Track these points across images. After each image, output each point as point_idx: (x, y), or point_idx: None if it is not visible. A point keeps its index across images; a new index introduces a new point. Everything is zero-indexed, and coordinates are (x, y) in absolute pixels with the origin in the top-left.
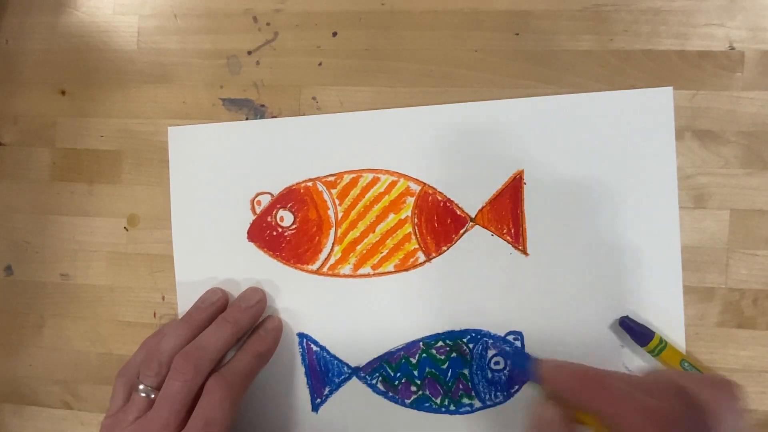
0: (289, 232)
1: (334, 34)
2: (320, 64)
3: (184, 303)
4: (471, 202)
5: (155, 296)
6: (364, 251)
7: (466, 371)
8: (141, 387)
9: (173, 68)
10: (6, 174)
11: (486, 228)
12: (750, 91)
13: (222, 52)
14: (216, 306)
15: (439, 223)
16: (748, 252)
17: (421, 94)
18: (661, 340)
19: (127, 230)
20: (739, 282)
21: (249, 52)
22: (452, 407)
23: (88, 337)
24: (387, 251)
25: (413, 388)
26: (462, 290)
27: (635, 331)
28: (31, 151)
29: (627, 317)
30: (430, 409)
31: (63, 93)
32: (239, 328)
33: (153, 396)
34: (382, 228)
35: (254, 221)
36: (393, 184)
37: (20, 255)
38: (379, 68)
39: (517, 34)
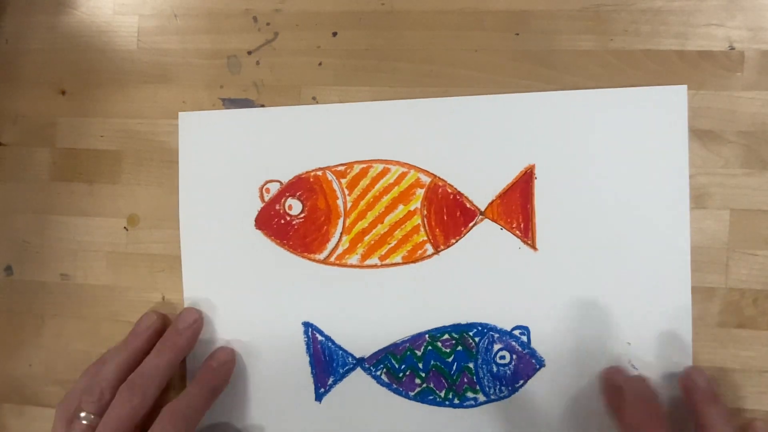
0: (297, 220)
1: (334, 34)
2: (320, 64)
3: (190, 290)
4: (481, 195)
5: (155, 296)
6: (372, 242)
7: (471, 365)
8: (83, 414)
9: (173, 68)
10: (6, 174)
11: (495, 222)
12: (750, 91)
13: (222, 52)
14: (152, 329)
15: (449, 215)
16: (748, 252)
17: (421, 94)
18: None
19: (127, 230)
20: (739, 282)
21: (249, 52)
22: (456, 401)
23: (88, 337)
24: (395, 242)
25: (417, 381)
26: (469, 284)
27: None
28: (31, 151)
29: None
30: (434, 402)
31: (63, 93)
32: (179, 350)
33: (95, 424)
34: (390, 219)
35: (262, 209)
36: (403, 175)
37: (20, 255)
38: (379, 68)
39: (517, 34)
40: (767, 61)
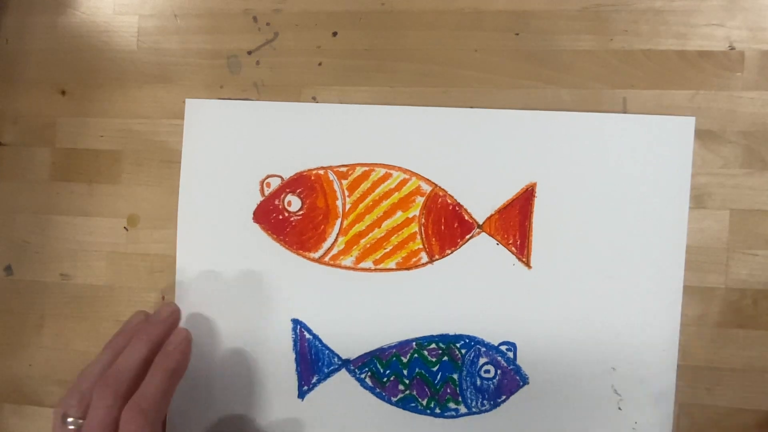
0: (295, 217)
1: (334, 34)
2: (320, 64)
3: (183, 277)
4: (480, 208)
5: (155, 296)
6: (368, 245)
7: (455, 376)
8: (69, 420)
9: (173, 68)
10: (6, 174)
11: (492, 236)
12: (750, 91)
13: (222, 52)
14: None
15: (446, 226)
16: (748, 252)
17: (420, 94)
18: None
19: (127, 230)
20: (739, 282)
21: (249, 52)
22: (438, 410)
23: (88, 337)
24: (391, 248)
25: (401, 387)
26: (461, 295)
27: None
28: (31, 151)
29: None
30: (415, 410)
31: (63, 93)
32: (153, 344)
33: (78, 427)
34: (388, 224)
35: (261, 203)
36: (404, 181)
37: (20, 255)
38: (379, 68)
39: (517, 34)
40: (767, 61)
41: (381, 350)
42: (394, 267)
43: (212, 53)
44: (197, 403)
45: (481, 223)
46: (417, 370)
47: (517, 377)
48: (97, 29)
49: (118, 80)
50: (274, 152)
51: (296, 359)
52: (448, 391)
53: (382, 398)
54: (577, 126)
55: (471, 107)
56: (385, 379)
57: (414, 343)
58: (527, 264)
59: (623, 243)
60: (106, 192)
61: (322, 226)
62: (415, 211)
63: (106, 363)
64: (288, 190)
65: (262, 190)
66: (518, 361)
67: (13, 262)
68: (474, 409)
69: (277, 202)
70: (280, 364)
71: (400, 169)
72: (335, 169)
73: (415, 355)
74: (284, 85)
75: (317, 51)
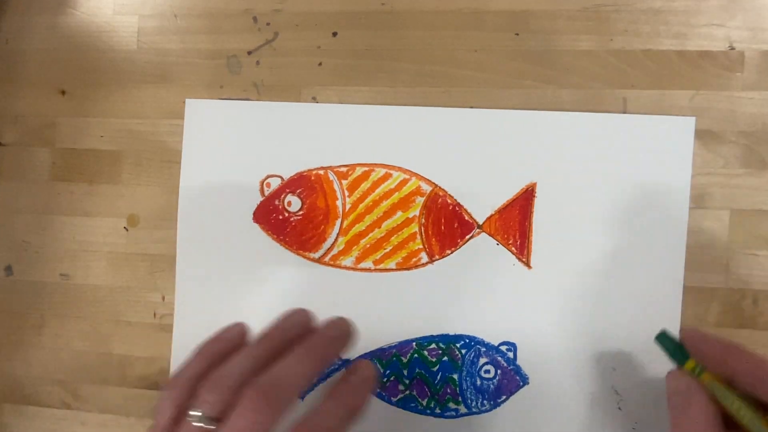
0: (295, 217)
1: (334, 34)
2: (320, 64)
3: (183, 277)
4: (480, 208)
5: (155, 296)
6: (368, 245)
7: (455, 376)
8: (197, 414)
9: (173, 68)
10: (6, 174)
11: (492, 236)
12: (750, 91)
13: (222, 52)
14: (301, 329)
15: (446, 226)
16: (748, 252)
17: (421, 94)
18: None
19: (127, 230)
20: (739, 282)
21: (249, 52)
22: (438, 410)
23: (88, 337)
24: (390, 248)
25: (401, 387)
26: (461, 296)
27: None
28: (31, 151)
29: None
30: (415, 410)
31: (63, 93)
32: (325, 364)
33: (209, 427)
34: (388, 224)
35: (261, 203)
36: (404, 181)
37: (20, 255)
38: (379, 68)
39: (517, 34)
40: (767, 61)
41: (381, 350)
42: (394, 267)
43: (212, 53)
44: None
45: (481, 223)
46: (417, 370)
47: (517, 377)
48: (97, 29)
49: (118, 80)
50: (274, 152)
51: None
52: (448, 391)
53: (382, 398)
54: (577, 126)
55: (471, 107)
56: (385, 380)
57: (414, 344)
58: (527, 264)
59: (623, 243)
60: (106, 192)
61: (322, 227)
62: (415, 211)
63: (260, 360)
64: (288, 190)
65: (262, 190)
66: (518, 362)
67: (13, 262)
68: (474, 410)
69: (277, 202)
70: None
71: (400, 169)
72: (335, 169)
73: (415, 356)
74: (284, 85)
75: (317, 51)
